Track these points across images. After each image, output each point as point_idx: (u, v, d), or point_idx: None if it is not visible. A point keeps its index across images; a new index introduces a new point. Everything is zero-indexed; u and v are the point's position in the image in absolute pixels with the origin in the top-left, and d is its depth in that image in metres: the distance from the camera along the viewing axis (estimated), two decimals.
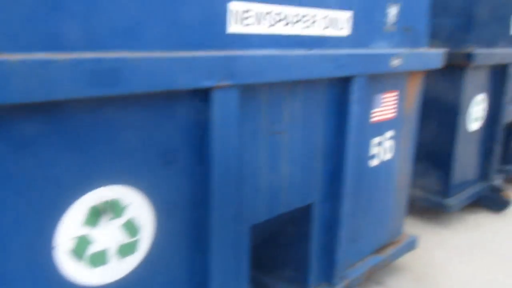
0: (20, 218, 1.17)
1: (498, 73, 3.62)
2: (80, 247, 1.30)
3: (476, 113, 3.51)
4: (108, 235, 1.35)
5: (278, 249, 2.28)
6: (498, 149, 3.83)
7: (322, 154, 2.03)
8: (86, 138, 1.25)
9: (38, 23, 1.08)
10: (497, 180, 3.95)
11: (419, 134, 3.42)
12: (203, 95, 1.44)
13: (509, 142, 4.29)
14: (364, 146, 2.27)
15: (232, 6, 1.48)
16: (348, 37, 1.95)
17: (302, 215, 2.09)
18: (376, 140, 2.34)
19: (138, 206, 1.41)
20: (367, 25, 2.04)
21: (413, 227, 3.43)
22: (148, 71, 1.25)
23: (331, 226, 2.17)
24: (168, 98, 1.40)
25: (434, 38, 3.27)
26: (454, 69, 3.22)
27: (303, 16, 1.74)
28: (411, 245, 2.83)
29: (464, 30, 3.20)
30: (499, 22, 3.51)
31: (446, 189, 3.44)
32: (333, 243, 2.19)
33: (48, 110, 1.15)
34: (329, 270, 2.24)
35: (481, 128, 3.64)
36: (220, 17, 1.46)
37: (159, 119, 1.41)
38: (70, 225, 1.27)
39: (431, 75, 3.16)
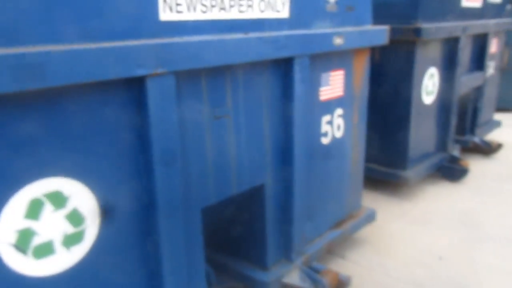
0: None
1: (450, 46, 3.73)
2: (23, 240, 1.32)
3: (430, 86, 3.61)
4: (52, 226, 1.38)
5: (236, 229, 2.33)
6: (454, 121, 3.96)
7: (271, 134, 2.08)
8: (23, 131, 1.27)
9: None
10: (455, 151, 4.10)
11: (377, 109, 3.54)
12: (138, 84, 1.47)
13: (465, 113, 4.44)
14: (314, 124, 2.33)
15: None
16: (288, 19, 1.99)
17: (255, 196, 2.14)
18: (327, 117, 2.41)
19: (81, 197, 1.44)
20: (306, 6, 2.08)
21: (374, 200, 3.55)
22: (74, 63, 1.26)
23: (285, 204, 2.24)
24: (104, 88, 1.42)
25: (385, 15, 3.37)
26: (405, 44, 3.31)
27: (239, 0, 1.76)
28: (370, 218, 2.93)
29: (413, 5, 3.27)
30: None
31: (404, 161, 3.55)
32: (289, 221, 2.26)
33: None
34: (287, 247, 2.31)
35: (436, 100, 3.76)
36: (151, 6, 1.48)
37: (96, 109, 1.42)
38: (11, 218, 1.29)
39: (384, 50, 3.25)
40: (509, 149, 4.83)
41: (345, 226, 2.72)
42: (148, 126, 1.51)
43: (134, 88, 1.48)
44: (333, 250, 2.81)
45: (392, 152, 3.59)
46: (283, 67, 2.03)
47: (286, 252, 2.32)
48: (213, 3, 1.67)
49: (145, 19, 1.47)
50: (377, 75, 3.50)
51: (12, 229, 1.29)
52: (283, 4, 1.95)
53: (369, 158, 3.59)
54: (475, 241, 3.02)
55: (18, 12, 1.19)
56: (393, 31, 3.20)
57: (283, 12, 1.97)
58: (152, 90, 1.48)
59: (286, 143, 2.15)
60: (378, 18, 3.22)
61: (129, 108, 1.50)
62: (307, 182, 2.32)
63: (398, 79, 3.42)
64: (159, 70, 1.47)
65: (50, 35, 1.25)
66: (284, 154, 2.16)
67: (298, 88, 2.08)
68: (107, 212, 1.51)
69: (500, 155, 4.68)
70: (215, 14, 1.69)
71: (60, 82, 1.25)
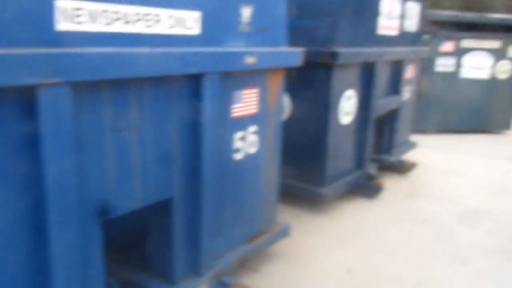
0: None
1: (367, 71, 3.96)
2: None
3: (347, 107, 3.80)
4: None
5: (145, 243, 2.31)
6: (370, 141, 4.19)
7: (180, 149, 2.09)
8: None
9: None
10: (372, 169, 4.32)
11: (296, 126, 3.67)
12: (29, 93, 1.43)
13: (382, 133, 4.70)
14: (226, 141, 2.38)
15: (60, 4, 1.49)
16: (198, 36, 2.04)
17: (163, 209, 2.14)
18: (239, 134, 2.46)
19: None
20: (219, 25, 2.14)
21: (292, 216, 3.65)
22: None
23: (194, 219, 2.25)
24: None
25: (307, 38, 3.53)
26: (324, 66, 3.47)
27: (145, 15, 1.78)
28: (284, 233, 3.01)
29: (331, 30, 3.46)
30: (365, 23, 3.84)
31: (322, 179, 3.69)
32: (197, 236, 2.27)
33: None
34: (195, 261, 2.31)
35: (353, 121, 3.95)
36: (46, 15, 1.46)
37: None
38: None
39: (305, 71, 3.39)
40: (422, 169, 5.17)
41: (259, 240, 2.77)
42: (40, 136, 1.48)
43: (26, 97, 1.44)
44: (246, 264, 2.85)
45: (310, 169, 3.72)
46: (193, 83, 2.06)
47: (195, 267, 2.32)
48: (118, 16, 1.68)
49: (39, 28, 1.45)
50: (297, 94, 3.64)
51: None
52: (194, 21, 2.00)
53: (289, 174, 3.71)
54: (382, 254, 3.19)
55: None
56: (312, 53, 3.37)
57: (194, 29, 2.01)
58: (44, 100, 1.45)
59: (196, 158, 2.17)
60: (299, 40, 3.38)
61: (23, 118, 1.46)
62: (217, 197, 2.35)
63: (316, 99, 3.58)
64: (52, 80, 1.45)
65: None
66: (194, 169, 2.18)
67: (208, 104, 2.12)
68: None
69: (413, 174, 4.99)
70: (119, 27, 1.70)
71: None
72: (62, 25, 1.51)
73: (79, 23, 1.56)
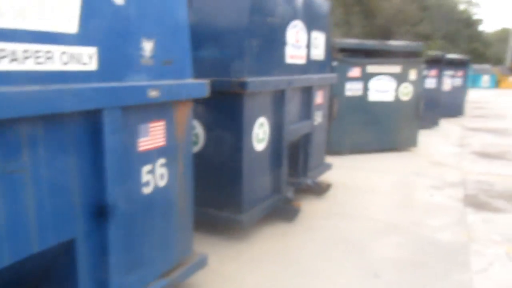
0: None
1: (277, 98, 4.11)
2: None
3: (261, 134, 3.91)
4: None
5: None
6: (285, 165, 4.31)
7: (81, 187, 2.02)
8: None
9: None
10: (289, 192, 4.44)
11: (212, 155, 3.69)
12: None
13: (297, 157, 4.87)
14: (133, 175, 2.34)
15: None
16: (96, 72, 2.01)
17: (65, 251, 2.04)
18: (147, 167, 2.43)
19: None
20: (118, 59, 2.13)
21: (210, 245, 3.63)
22: None
23: (101, 259, 2.16)
24: None
25: (218, 68, 3.61)
26: (235, 95, 3.56)
27: (35, 52, 1.73)
28: (202, 263, 2.98)
29: (240, 61, 3.56)
30: (273, 53, 4.01)
31: (239, 206, 3.73)
32: (105, 276, 2.19)
33: None
34: None
35: (268, 147, 4.06)
36: None
37: None
38: None
39: (217, 100, 3.45)
40: (338, 189, 5.41)
41: (174, 274, 2.72)
42: None
43: None
44: None
45: (227, 197, 3.75)
46: (92, 119, 2.02)
47: None
48: (2, 54, 1.62)
49: None
50: (210, 124, 3.69)
51: None
52: (90, 57, 1.97)
53: (206, 203, 3.71)
54: (301, 275, 3.26)
55: None
56: (223, 83, 3.46)
57: (91, 65, 1.98)
58: None
59: (100, 195, 2.10)
60: (210, 71, 3.45)
61: None
62: (127, 233, 2.29)
63: (229, 128, 3.64)
64: None
65: None
66: (98, 207, 2.11)
67: (110, 140, 2.08)
68: None
69: (329, 194, 5.21)
70: (5, 66, 1.63)
71: None
72: None
73: None
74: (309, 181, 4.91)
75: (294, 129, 4.47)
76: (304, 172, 4.95)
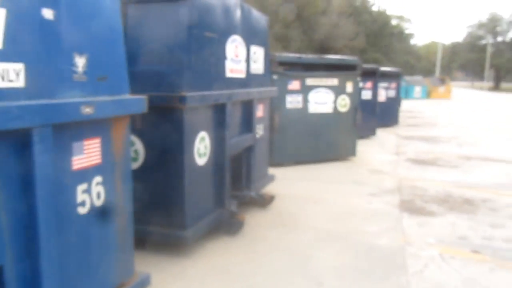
0: None
1: (218, 112, 4.12)
2: None
3: (202, 148, 3.89)
4: None
5: None
6: (228, 179, 4.32)
7: (9, 210, 1.91)
8: None
9: None
10: (232, 206, 4.44)
11: (153, 172, 3.63)
12: None
13: (240, 170, 4.90)
14: (67, 195, 2.24)
15: None
16: (24, 89, 1.92)
17: None
18: (83, 186, 2.35)
19: None
20: (47, 76, 2.05)
21: (154, 263, 3.55)
22: None
23: (33, 285, 2.05)
24: None
25: (156, 83, 3.57)
26: (174, 110, 3.53)
27: None
28: (144, 283, 2.90)
29: (178, 75, 3.55)
30: (212, 67, 4.03)
31: (182, 221, 3.68)
32: None
33: None
34: None
35: (209, 161, 4.05)
36: None
37: None
38: None
39: (157, 115, 3.40)
40: (281, 200, 5.49)
41: None
42: None
43: None
44: None
45: (170, 213, 3.69)
46: (20, 138, 1.92)
47: None
48: None
49: None
50: (150, 139, 3.63)
51: None
52: (17, 73, 1.89)
53: (148, 220, 3.63)
54: None
55: None
56: (161, 98, 3.42)
57: (18, 81, 1.90)
58: None
59: (30, 218, 2.00)
60: (147, 86, 3.40)
61: None
62: (61, 256, 2.18)
63: (170, 143, 3.60)
64: None
65: None
66: (27, 230, 2.00)
67: (40, 159, 1.98)
68: None
69: (273, 205, 5.27)
70: None
71: None
72: None
73: None
74: (252, 194, 4.94)
75: (236, 143, 4.50)
76: (247, 185, 4.98)
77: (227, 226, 4.32)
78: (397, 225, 4.80)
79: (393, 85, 14.18)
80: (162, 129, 3.60)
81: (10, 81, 1.86)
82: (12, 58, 1.86)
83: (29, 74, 1.94)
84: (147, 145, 3.63)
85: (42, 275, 2.05)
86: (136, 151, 3.63)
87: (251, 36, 4.78)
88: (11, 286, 1.96)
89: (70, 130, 2.22)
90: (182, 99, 3.43)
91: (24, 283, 2.02)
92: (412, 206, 5.47)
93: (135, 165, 3.62)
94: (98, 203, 2.48)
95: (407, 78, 32.18)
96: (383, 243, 4.24)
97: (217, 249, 3.99)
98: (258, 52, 5.06)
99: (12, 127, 1.85)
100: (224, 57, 4.19)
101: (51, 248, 2.09)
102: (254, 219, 4.73)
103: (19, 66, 1.89)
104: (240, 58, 4.55)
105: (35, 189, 1.99)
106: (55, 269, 2.13)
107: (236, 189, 4.74)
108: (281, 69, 7.43)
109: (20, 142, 1.93)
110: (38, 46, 2.00)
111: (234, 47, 4.39)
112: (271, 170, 6.01)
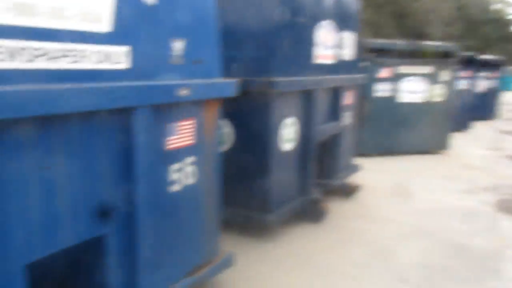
0: None
1: (306, 98, 4.09)
2: None
3: (288, 134, 3.89)
4: None
5: (76, 283, 2.22)
6: (313, 166, 4.28)
7: (110, 184, 2.06)
8: None
9: None
10: (316, 194, 4.40)
11: (239, 154, 3.70)
12: None
13: (325, 158, 4.83)
14: (161, 173, 2.36)
15: None
16: (128, 70, 2.04)
17: (94, 248, 2.08)
18: (175, 166, 2.46)
19: None
20: (149, 58, 2.16)
21: (237, 244, 3.64)
22: None
23: (129, 256, 2.19)
24: None
25: (247, 68, 3.62)
26: (263, 95, 3.56)
27: (70, 51, 1.78)
28: (228, 263, 2.99)
29: (268, 60, 3.56)
30: (302, 53, 3.98)
31: (266, 205, 3.73)
32: (133, 273, 2.21)
33: None
34: None
35: (295, 148, 4.04)
36: None
37: None
38: None
39: (245, 100, 3.46)
40: (365, 191, 5.33)
41: (200, 273, 2.74)
42: None
43: None
44: None
45: (255, 196, 3.75)
46: (123, 118, 2.05)
47: None
48: (40, 52, 1.66)
49: None
50: (239, 123, 3.70)
51: None
52: (123, 56, 2.00)
53: (233, 202, 3.72)
54: (328, 277, 3.23)
55: None
56: (251, 83, 3.46)
57: (124, 63, 2.01)
58: None
59: (129, 193, 2.14)
60: (238, 71, 3.46)
61: None
62: (154, 231, 2.31)
63: (257, 127, 3.64)
64: None
65: None
66: (127, 205, 2.14)
67: (140, 138, 2.11)
68: None
69: (357, 196, 5.14)
70: (42, 64, 1.68)
71: None
72: None
73: None
74: (336, 183, 4.86)
75: (322, 130, 4.44)
76: (332, 173, 4.90)
77: (310, 213, 4.30)
78: (492, 225, 4.45)
79: (494, 75, 13.04)
80: (250, 113, 3.64)
81: (117, 63, 1.99)
82: (120, 41, 1.98)
83: (134, 56, 2.06)
84: (235, 128, 3.71)
85: (138, 247, 2.19)
86: (224, 134, 3.72)
87: (342, 21, 4.64)
88: (112, 253, 2.12)
89: (166, 111, 2.32)
90: (272, 84, 3.45)
91: (122, 253, 2.17)
92: (510, 206, 5.03)
93: (224, 148, 3.71)
94: (189, 182, 2.58)
95: (511, 68, 29.44)
96: (476, 244, 3.96)
97: (298, 235, 3.99)
98: (348, 38, 4.91)
99: (117, 106, 1.97)
100: (314, 43, 4.12)
101: (147, 221, 2.22)
102: (336, 209, 4.66)
103: (126, 49, 2.01)
104: (329, 43, 4.44)
105: (135, 167, 2.12)
106: (150, 242, 2.27)
107: (320, 177, 4.69)
108: (371, 56, 7.16)
109: (123, 122, 2.06)
110: (142, 30, 2.10)
111: (325, 32, 4.30)
112: (357, 160, 5.86)
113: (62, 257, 1.97)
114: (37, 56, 1.66)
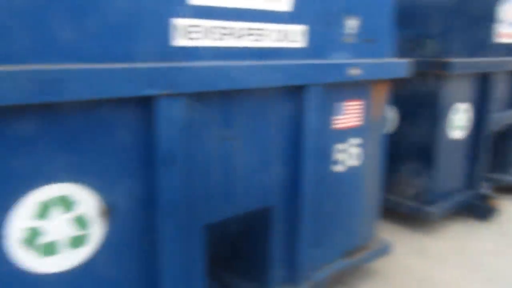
0: None
1: (481, 82, 3.67)
2: (30, 238, 1.45)
3: (459, 121, 3.56)
4: (58, 227, 1.50)
5: (243, 248, 2.39)
6: (484, 158, 3.86)
7: (280, 159, 2.14)
8: (38, 140, 1.41)
9: None
10: (485, 188, 3.97)
11: (402, 140, 3.52)
12: (148, 103, 1.59)
13: (501, 150, 4.30)
14: (325, 152, 2.37)
15: (176, 22, 1.63)
16: (304, 49, 2.07)
17: (262, 217, 2.20)
18: (339, 146, 2.44)
19: (88, 203, 1.55)
20: (323, 37, 2.15)
21: (394, 233, 3.50)
22: (90, 81, 1.40)
23: (292, 229, 2.27)
24: (117, 104, 1.55)
25: (413, 48, 3.40)
26: (434, 77, 3.30)
27: (254, 30, 1.87)
28: (384, 250, 2.90)
29: (443, 39, 3.28)
30: (481, 31, 3.57)
31: (428, 196, 3.49)
32: (295, 246, 2.29)
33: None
34: (292, 272, 2.33)
35: (467, 136, 3.69)
36: (163, 32, 1.61)
37: (109, 123, 1.55)
38: (21, 217, 1.42)
39: (413, 82, 3.26)
40: None
41: (356, 256, 2.71)
42: (155, 143, 1.62)
43: (144, 106, 1.60)
44: (342, 279, 2.80)
45: (416, 186, 3.54)
46: (296, 95, 2.10)
47: (291, 276, 2.34)
48: (228, 31, 1.78)
49: (157, 44, 1.60)
50: (404, 107, 3.50)
51: (22, 227, 1.42)
52: (300, 34, 2.04)
53: (393, 190, 3.58)
54: (486, 283, 2.90)
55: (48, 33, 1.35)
56: (421, 64, 3.22)
57: (300, 42, 2.05)
58: (161, 109, 1.59)
59: (296, 169, 2.19)
60: (408, 50, 3.27)
61: (140, 124, 1.62)
62: (316, 208, 2.34)
63: (425, 112, 3.40)
64: (168, 91, 1.58)
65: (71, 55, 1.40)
66: (293, 179, 2.21)
67: (310, 116, 2.14)
68: (112, 221, 1.62)
69: None
70: (229, 42, 1.80)
71: (75, 97, 1.39)
72: (178, 41, 1.65)
73: (192, 39, 1.68)
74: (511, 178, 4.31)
75: (499, 118, 3.94)
76: (507, 168, 4.35)
77: (476, 210, 3.90)
78: None
79: None
80: (417, 96, 3.41)
81: (294, 41, 2.03)
82: (297, 20, 2.01)
83: (310, 35, 2.08)
84: (401, 112, 3.52)
85: (301, 221, 2.26)
86: (388, 117, 3.56)
87: None
88: (277, 225, 2.22)
89: (335, 90, 2.30)
90: (445, 66, 3.16)
91: (286, 226, 2.26)
92: None
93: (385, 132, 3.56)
94: (352, 163, 2.54)
95: None
96: None
97: (460, 232, 3.66)
98: None
99: (292, 84, 2.03)
100: (495, 20, 3.65)
101: (310, 198, 2.26)
102: (508, 208, 4.13)
103: (302, 28, 2.04)
104: None
105: (303, 143, 2.16)
106: (312, 218, 2.31)
107: (492, 171, 4.20)
108: None
109: (295, 99, 2.11)
110: (319, 8, 2.10)
111: (510, 6, 3.77)
112: None
113: (234, 223, 2.13)
114: (226, 35, 1.78)
